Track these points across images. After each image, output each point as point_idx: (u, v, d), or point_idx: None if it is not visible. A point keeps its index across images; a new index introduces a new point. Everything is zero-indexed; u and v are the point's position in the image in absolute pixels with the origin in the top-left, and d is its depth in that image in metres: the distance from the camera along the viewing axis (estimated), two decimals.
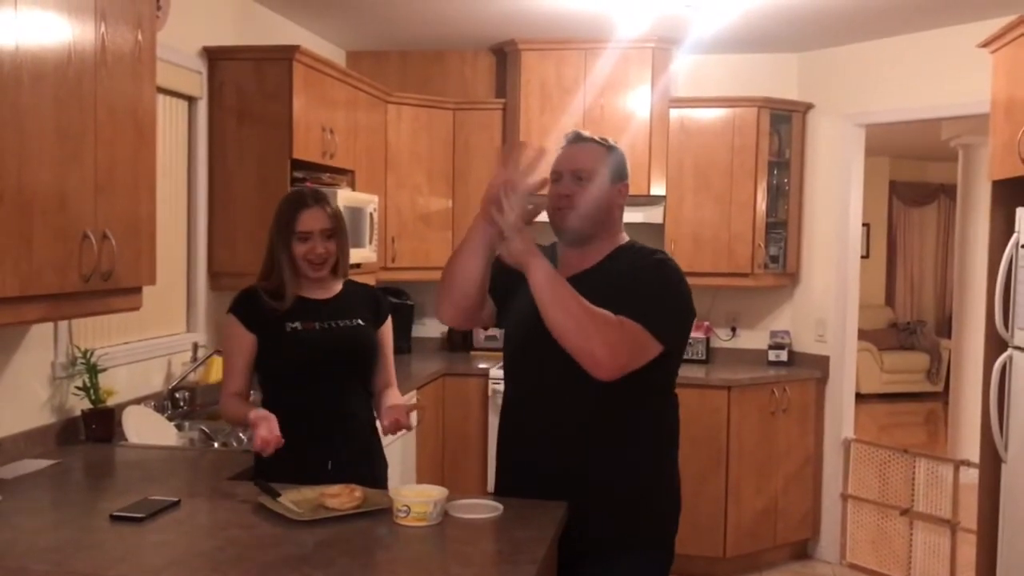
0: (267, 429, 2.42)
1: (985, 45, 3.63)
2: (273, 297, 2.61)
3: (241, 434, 3.34)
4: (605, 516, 2.27)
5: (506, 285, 2.33)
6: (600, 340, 2.10)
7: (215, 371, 3.66)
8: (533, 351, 2.29)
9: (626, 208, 5.47)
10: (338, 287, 2.74)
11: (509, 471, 2.40)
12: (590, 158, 2.32)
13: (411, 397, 4.35)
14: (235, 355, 2.65)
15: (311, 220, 2.61)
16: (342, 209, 3.88)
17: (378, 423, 2.72)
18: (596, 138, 2.39)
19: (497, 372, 4.87)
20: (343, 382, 2.68)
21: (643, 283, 2.23)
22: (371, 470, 2.71)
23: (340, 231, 2.68)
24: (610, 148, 2.37)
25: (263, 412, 2.48)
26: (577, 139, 2.38)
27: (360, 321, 2.72)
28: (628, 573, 2.29)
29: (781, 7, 4.29)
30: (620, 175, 2.35)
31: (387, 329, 2.82)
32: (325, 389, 2.63)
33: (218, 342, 3.85)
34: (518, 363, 2.42)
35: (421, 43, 5.26)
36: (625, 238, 2.42)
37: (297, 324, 2.61)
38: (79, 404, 3.09)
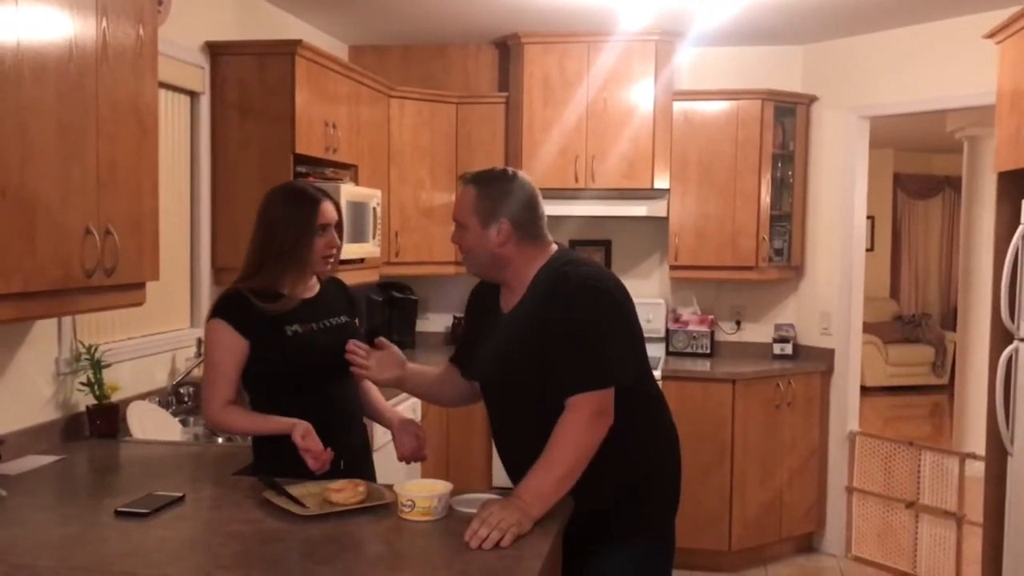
0: (315, 445, 2.37)
1: (990, 36, 3.61)
2: (261, 298, 2.49)
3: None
4: (596, 512, 2.29)
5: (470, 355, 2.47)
6: (591, 451, 2.15)
7: None
8: (497, 389, 2.40)
9: (630, 202, 5.46)
10: (317, 285, 2.67)
11: (509, 474, 2.43)
12: (461, 206, 2.31)
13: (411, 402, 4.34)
14: (226, 362, 2.48)
15: (330, 212, 2.57)
16: (345, 204, 3.90)
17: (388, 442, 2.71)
18: (475, 177, 2.33)
19: None
20: (343, 380, 2.65)
21: (564, 341, 2.18)
22: (370, 463, 2.73)
23: (343, 224, 2.67)
24: (486, 188, 2.29)
25: (303, 427, 2.39)
26: (463, 182, 2.36)
27: (344, 317, 2.69)
28: (621, 566, 2.33)
29: None
30: (493, 216, 2.26)
31: (356, 322, 2.81)
32: (330, 389, 2.60)
33: None
34: (487, 396, 2.47)
35: (423, 37, 5.25)
36: (542, 260, 2.31)
37: (296, 327, 2.53)
38: (83, 400, 3.09)
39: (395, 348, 2.54)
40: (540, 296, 2.26)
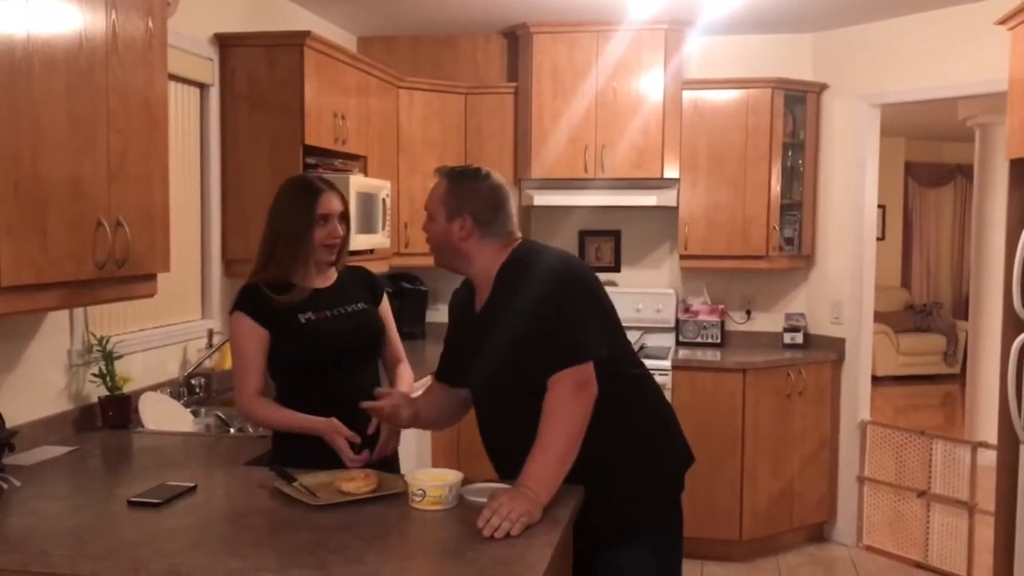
0: (343, 443, 2.46)
1: (1002, 22, 3.58)
2: (275, 291, 2.57)
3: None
4: (602, 501, 2.30)
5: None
6: (581, 425, 2.17)
7: (230, 357, 3.67)
8: (479, 388, 2.43)
9: (641, 192, 5.45)
10: (335, 275, 2.73)
11: (498, 471, 2.44)
12: (432, 197, 2.39)
13: (427, 381, 4.35)
14: (251, 352, 2.58)
15: (331, 203, 2.61)
16: (354, 195, 3.92)
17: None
18: (448, 171, 2.40)
19: None
20: (358, 367, 2.70)
21: (534, 328, 2.22)
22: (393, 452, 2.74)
23: (348, 215, 2.71)
24: (456, 183, 2.36)
25: (333, 424, 2.48)
26: (438, 174, 2.42)
27: (362, 304, 2.74)
28: (634, 557, 2.34)
29: None
30: (458, 210, 2.33)
31: (385, 306, 2.85)
32: (343, 376, 2.64)
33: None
34: (473, 390, 2.49)
35: (432, 28, 5.24)
36: (504, 255, 2.35)
37: (309, 314, 2.60)
38: (96, 391, 3.11)
39: (397, 392, 2.58)
40: (504, 290, 2.30)
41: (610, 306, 2.38)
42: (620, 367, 2.35)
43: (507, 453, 2.28)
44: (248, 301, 2.59)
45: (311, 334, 2.59)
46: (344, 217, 2.66)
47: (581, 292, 2.29)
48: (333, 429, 2.48)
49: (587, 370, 2.20)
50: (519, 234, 2.42)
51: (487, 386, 2.40)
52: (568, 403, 2.17)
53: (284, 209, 2.62)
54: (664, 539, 2.42)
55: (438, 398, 2.60)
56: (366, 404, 2.46)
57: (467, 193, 2.35)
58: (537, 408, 2.18)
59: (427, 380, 4.32)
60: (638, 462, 2.37)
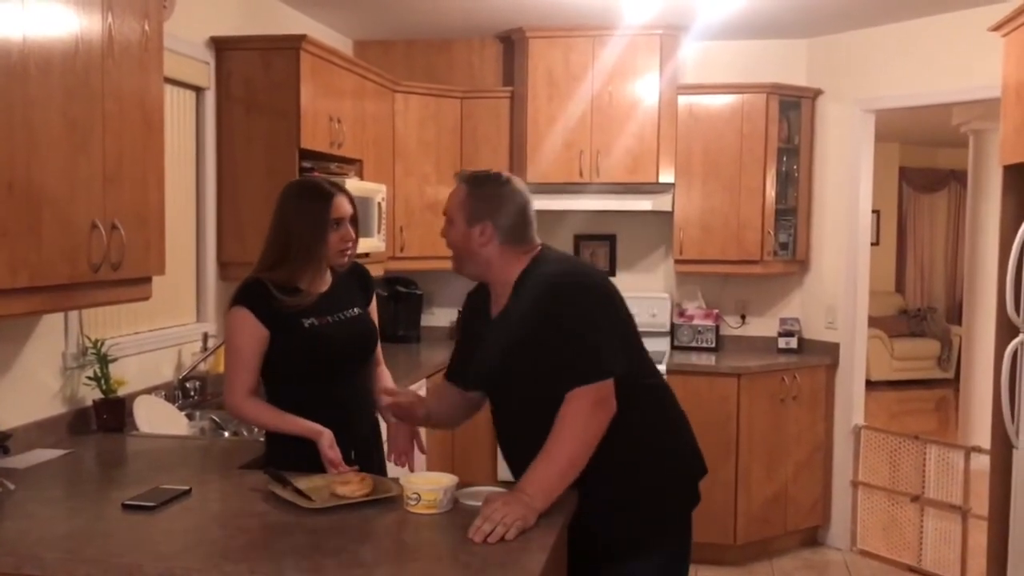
0: (339, 455, 2.44)
1: (996, 29, 3.60)
2: (281, 291, 2.51)
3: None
4: (618, 513, 2.30)
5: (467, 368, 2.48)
6: (593, 442, 2.16)
7: (224, 357, 3.67)
8: (496, 393, 2.43)
9: (636, 196, 5.47)
10: (331, 278, 2.68)
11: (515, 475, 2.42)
12: (452, 202, 2.36)
13: (419, 387, 4.35)
14: (248, 350, 2.52)
15: (343, 207, 2.58)
16: None
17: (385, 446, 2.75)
18: (469, 176, 2.37)
19: None
20: (356, 371, 2.69)
21: (555, 339, 2.19)
22: (380, 453, 2.75)
23: (358, 218, 2.67)
24: (477, 189, 2.33)
25: (329, 436, 2.45)
26: (457, 179, 2.39)
27: (358, 308, 2.72)
28: (639, 567, 2.32)
29: None
30: (478, 216, 2.29)
31: (373, 306, 2.82)
32: (343, 381, 2.63)
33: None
34: (490, 400, 2.49)
35: (428, 32, 5.25)
36: (524, 262, 2.32)
37: (313, 320, 2.55)
38: (90, 394, 3.10)
39: (408, 391, 2.60)
40: (524, 299, 2.27)
41: (629, 316, 2.36)
42: (637, 378, 2.32)
43: (523, 457, 2.22)
44: (253, 297, 2.51)
45: (314, 340, 2.55)
46: (354, 220, 2.62)
47: (602, 306, 2.27)
48: (328, 442, 2.45)
49: (607, 387, 2.18)
50: (539, 241, 2.38)
51: (503, 391, 2.38)
52: (584, 419, 2.14)
53: (296, 213, 2.55)
54: (673, 553, 2.39)
55: (448, 398, 2.58)
56: (388, 401, 2.50)
57: (488, 199, 2.31)
58: (549, 418, 2.16)
59: (422, 383, 4.34)
60: (653, 474, 2.34)
